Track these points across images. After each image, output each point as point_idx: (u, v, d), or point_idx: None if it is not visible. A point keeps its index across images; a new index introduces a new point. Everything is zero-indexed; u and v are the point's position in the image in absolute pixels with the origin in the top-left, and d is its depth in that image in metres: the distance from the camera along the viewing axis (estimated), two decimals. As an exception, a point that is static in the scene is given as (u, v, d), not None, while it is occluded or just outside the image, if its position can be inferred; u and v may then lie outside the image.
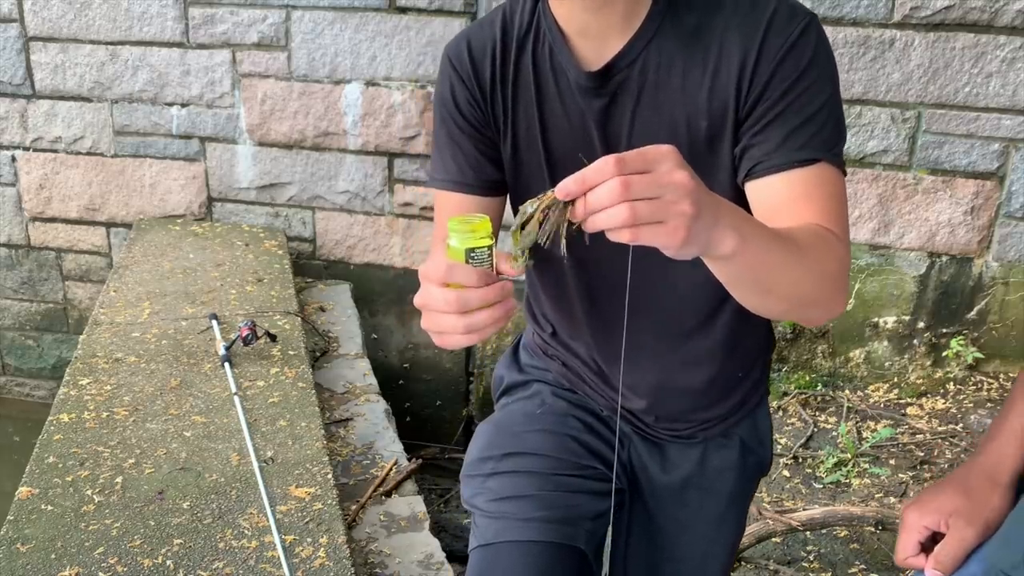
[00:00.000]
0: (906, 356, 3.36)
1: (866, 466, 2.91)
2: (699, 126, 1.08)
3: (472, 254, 0.89)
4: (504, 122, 1.17)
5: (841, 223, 1.01)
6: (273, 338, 2.80)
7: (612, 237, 0.77)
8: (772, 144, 1.01)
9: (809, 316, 1.03)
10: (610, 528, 1.21)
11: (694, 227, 0.77)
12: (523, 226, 0.83)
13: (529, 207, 0.82)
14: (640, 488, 1.39)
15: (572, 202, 0.78)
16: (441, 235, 1.21)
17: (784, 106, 1.01)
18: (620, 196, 0.74)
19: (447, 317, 0.89)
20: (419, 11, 3.38)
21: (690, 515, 1.38)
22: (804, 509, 2.61)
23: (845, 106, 3.10)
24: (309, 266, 3.83)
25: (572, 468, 1.30)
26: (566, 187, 0.77)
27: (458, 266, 0.88)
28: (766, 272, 0.90)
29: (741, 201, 1.02)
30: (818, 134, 1.01)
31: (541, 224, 0.81)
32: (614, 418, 1.36)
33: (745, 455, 1.37)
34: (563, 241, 0.81)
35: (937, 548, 1.03)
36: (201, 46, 3.59)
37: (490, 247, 0.89)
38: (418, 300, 0.91)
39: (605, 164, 0.75)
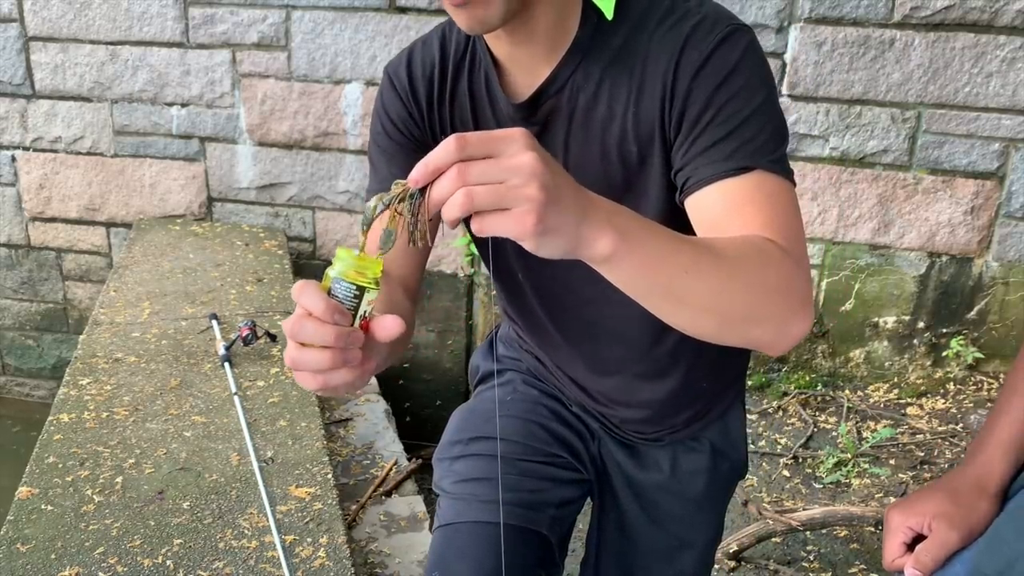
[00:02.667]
0: (906, 356, 3.36)
1: (866, 466, 2.91)
2: (630, 150, 1.04)
3: (337, 285, 0.78)
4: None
5: (786, 232, 0.91)
6: (273, 338, 2.80)
7: (474, 229, 0.72)
8: (699, 158, 0.96)
9: (757, 337, 0.90)
10: (590, 515, 1.20)
11: (547, 214, 0.70)
12: (369, 223, 0.75)
13: (377, 202, 0.74)
14: (611, 482, 1.40)
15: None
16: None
17: (708, 119, 0.95)
18: (457, 182, 0.70)
19: (288, 343, 0.79)
20: (419, 11, 3.38)
21: (661, 514, 1.39)
22: (804, 509, 2.61)
23: (845, 106, 3.12)
24: (309, 266, 3.83)
25: (538, 455, 1.32)
26: (414, 175, 0.72)
27: (309, 289, 0.77)
28: (668, 278, 0.81)
29: (678, 223, 0.95)
30: (749, 142, 0.94)
31: (401, 220, 0.73)
32: (582, 414, 1.38)
33: (716, 459, 1.37)
34: (426, 234, 0.74)
35: (919, 548, 1.04)
36: (201, 46, 3.59)
37: (361, 288, 0.78)
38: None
39: (447, 144, 0.71)
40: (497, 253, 1.24)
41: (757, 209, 0.93)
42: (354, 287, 0.78)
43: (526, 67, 1.06)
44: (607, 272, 0.80)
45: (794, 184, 0.98)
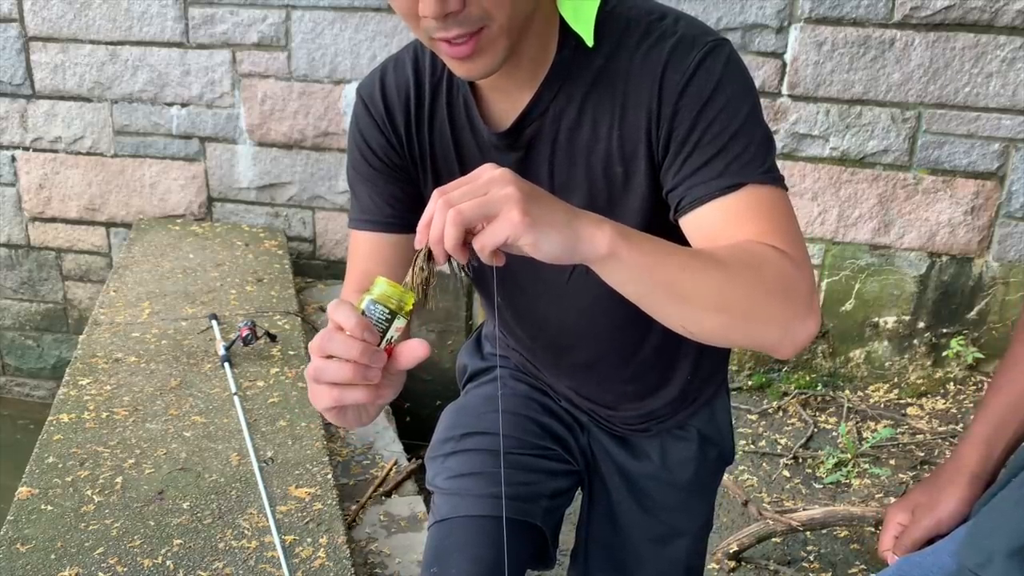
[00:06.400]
0: (906, 356, 3.36)
1: (866, 466, 2.91)
2: (615, 171, 1.05)
3: (371, 307, 0.82)
4: (423, 166, 1.14)
5: (784, 238, 0.93)
6: (273, 338, 2.80)
7: (484, 260, 0.79)
8: (692, 179, 0.97)
9: (763, 337, 0.92)
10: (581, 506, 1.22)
11: (529, 207, 0.77)
12: (403, 297, 0.83)
13: (406, 280, 0.83)
14: (601, 472, 1.41)
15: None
16: (354, 283, 1.16)
17: (696, 139, 0.97)
18: (444, 209, 0.77)
19: (313, 357, 0.84)
20: (419, 11, 3.38)
21: (652, 503, 1.40)
22: (804, 509, 2.61)
23: (845, 106, 3.12)
24: (309, 266, 3.83)
25: (530, 448, 1.34)
26: (417, 239, 0.81)
27: (344, 306, 0.82)
28: (669, 276, 0.85)
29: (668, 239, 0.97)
30: (739, 158, 0.96)
31: (421, 282, 0.83)
32: (570, 409, 1.40)
33: (704, 447, 1.39)
34: (432, 291, 0.83)
35: (900, 535, 1.17)
36: (201, 46, 3.59)
37: (393, 313, 0.83)
38: None
39: (432, 198, 0.79)
40: (484, 287, 1.27)
41: (753, 221, 0.95)
42: (387, 311, 0.83)
43: (506, 93, 1.06)
44: (609, 272, 0.83)
45: (786, 189, 0.99)
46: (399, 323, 0.83)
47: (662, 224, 1.03)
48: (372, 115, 1.13)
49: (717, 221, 0.96)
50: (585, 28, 0.99)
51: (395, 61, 1.14)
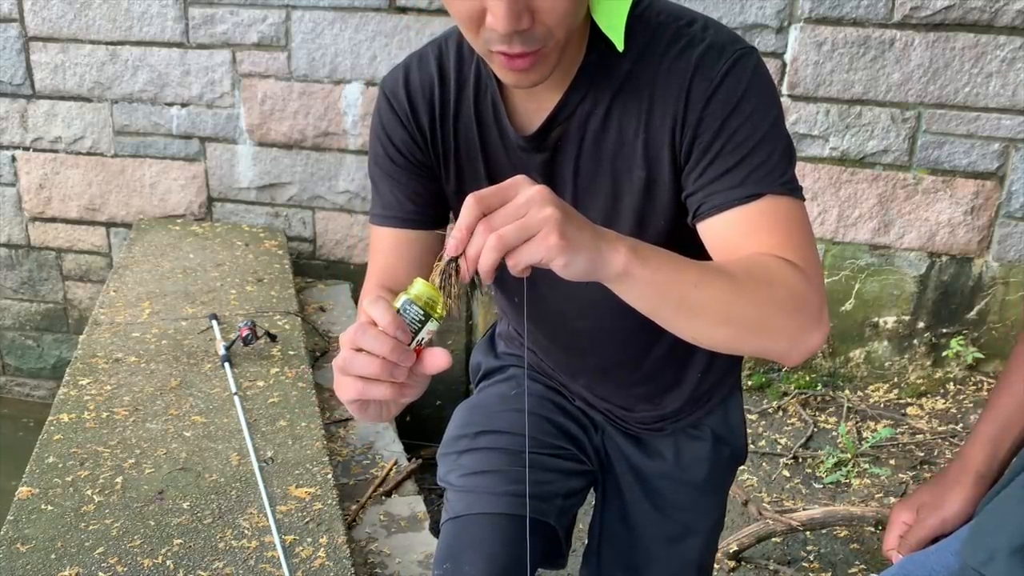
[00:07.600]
0: (906, 356, 3.36)
1: (866, 466, 2.91)
2: (639, 176, 1.06)
3: (408, 306, 0.83)
4: (446, 163, 1.15)
5: (797, 251, 0.95)
6: (273, 338, 2.80)
7: (515, 275, 0.80)
8: (712, 186, 0.98)
9: (770, 349, 0.95)
10: (594, 510, 1.22)
11: (566, 229, 0.78)
12: (439, 301, 0.83)
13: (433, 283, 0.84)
14: (615, 472, 1.42)
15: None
16: (375, 278, 1.16)
17: (719, 147, 0.98)
18: (486, 232, 0.78)
19: (342, 349, 0.84)
20: (419, 11, 3.38)
21: (665, 502, 1.40)
22: (804, 509, 2.61)
23: (845, 106, 3.12)
24: (309, 266, 3.83)
25: (544, 447, 1.34)
26: (451, 245, 0.80)
27: (381, 303, 0.83)
28: (680, 291, 0.87)
29: (684, 246, 0.97)
30: (760, 168, 0.97)
31: (446, 292, 0.83)
32: (585, 408, 1.40)
33: (718, 446, 1.39)
34: (460, 298, 0.82)
35: (905, 534, 1.18)
36: (201, 46, 3.59)
37: (428, 316, 0.83)
38: None
39: (468, 206, 0.79)
40: (505, 291, 1.28)
41: (769, 232, 0.96)
42: (422, 312, 0.83)
43: (534, 94, 1.06)
44: (623, 289, 0.85)
45: (803, 200, 1.01)
46: (431, 326, 0.84)
47: (684, 227, 1.04)
48: (396, 111, 1.13)
49: (733, 230, 0.98)
50: (616, 32, 1.00)
51: (419, 58, 1.14)
